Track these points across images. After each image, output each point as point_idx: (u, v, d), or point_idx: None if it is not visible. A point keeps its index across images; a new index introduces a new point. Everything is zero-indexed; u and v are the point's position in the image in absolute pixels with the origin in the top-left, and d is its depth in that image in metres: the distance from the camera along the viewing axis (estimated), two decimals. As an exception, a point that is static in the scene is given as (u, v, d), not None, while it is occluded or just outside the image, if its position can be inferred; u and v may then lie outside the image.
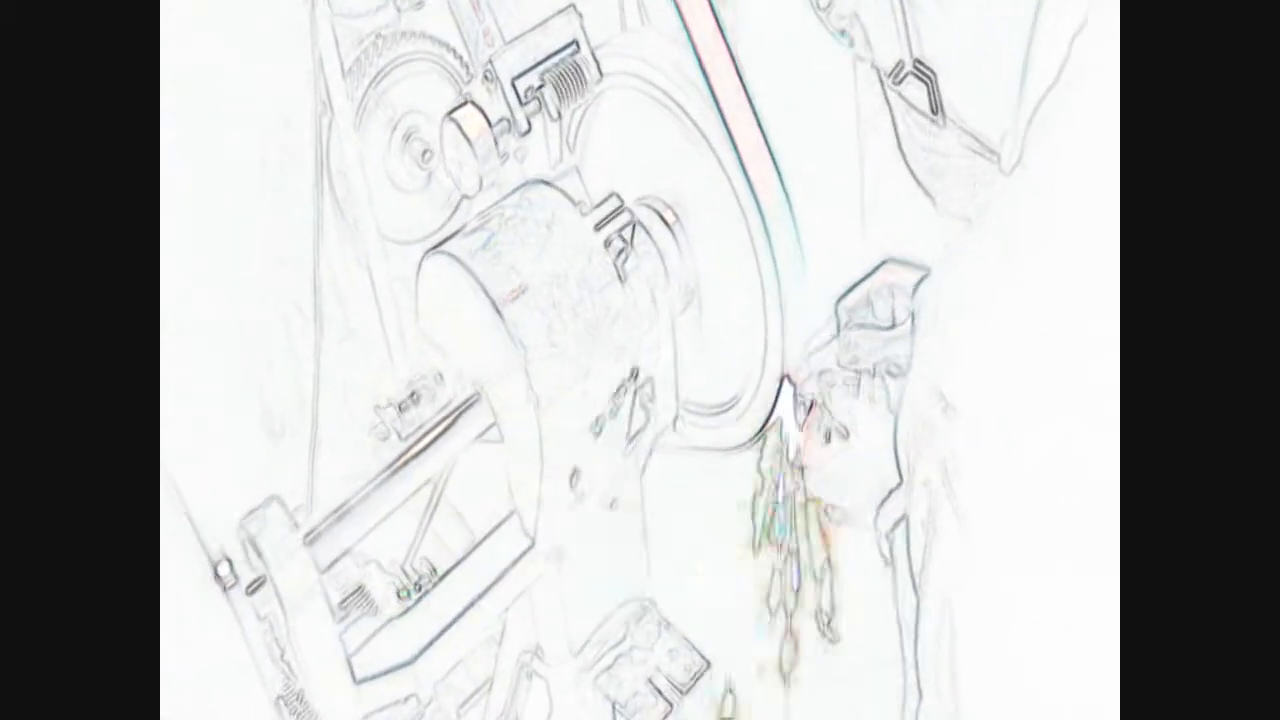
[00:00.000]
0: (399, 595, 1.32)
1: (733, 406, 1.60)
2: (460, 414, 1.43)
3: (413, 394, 1.34)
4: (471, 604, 1.41)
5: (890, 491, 1.44)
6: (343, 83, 1.28)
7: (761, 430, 1.57)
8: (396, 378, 1.38)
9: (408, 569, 1.36)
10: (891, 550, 1.51)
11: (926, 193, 1.29)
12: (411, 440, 1.36)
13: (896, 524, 1.50)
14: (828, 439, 1.59)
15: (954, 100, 1.24)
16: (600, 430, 1.46)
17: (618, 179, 1.51)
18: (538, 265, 1.40)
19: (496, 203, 1.49)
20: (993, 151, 1.23)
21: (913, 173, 1.30)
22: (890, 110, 1.30)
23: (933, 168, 1.27)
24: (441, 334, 1.44)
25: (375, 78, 1.34)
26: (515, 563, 1.44)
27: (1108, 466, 0.90)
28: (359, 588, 1.30)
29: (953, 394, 1.21)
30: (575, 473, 1.47)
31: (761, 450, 1.57)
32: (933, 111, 1.25)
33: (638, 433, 1.53)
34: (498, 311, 1.38)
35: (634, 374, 1.49)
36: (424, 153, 1.41)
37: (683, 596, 1.55)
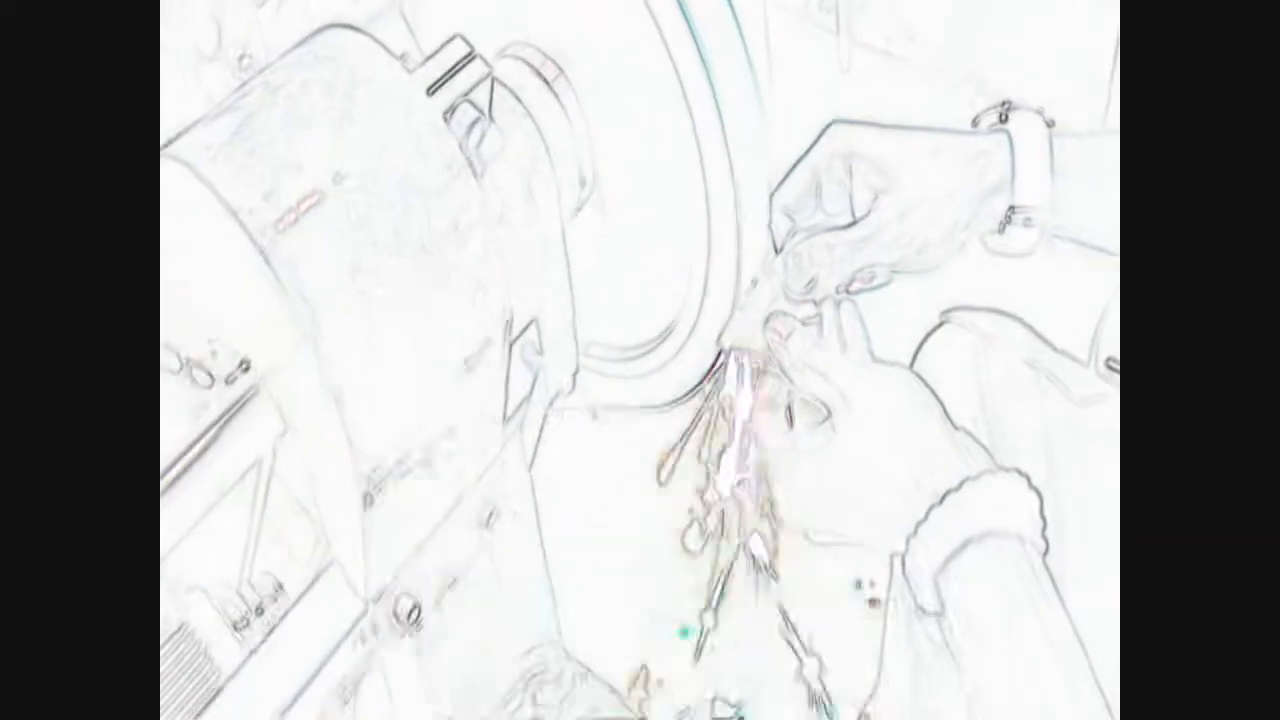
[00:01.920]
0: (235, 628, 1.03)
1: (662, 343, 1.25)
2: (224, 425, 0.86)
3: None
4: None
5: (935, 503, 1.01)
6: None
7: (710, 374, 1.23)
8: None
9: (244, 591, 1.04)
10: (941, 599, 1.01)
11: None
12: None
13: (954, 559, 0.99)
14: (789, 422, 1.14)
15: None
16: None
17: (464, 19, 1.14)
18: (330, 160, 0.92)
19: (265, 66, 1.00)
20: None
21: None
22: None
23: None
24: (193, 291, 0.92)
25: None
26: (345, 638, 1.02)
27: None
28: (179, 628, 1.02)
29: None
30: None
31: (706, 423, 1.23)
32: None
33: (519, 406, 1.12)
34: (258, 248, 0.80)
35: (506, 319, 1.07)
36: None
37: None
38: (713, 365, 1.19)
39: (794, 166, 1.16)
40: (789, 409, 1.11)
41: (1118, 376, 1.14)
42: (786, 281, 1.14)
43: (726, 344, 1.17)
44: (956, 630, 0.98)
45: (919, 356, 1.23)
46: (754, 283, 1.16)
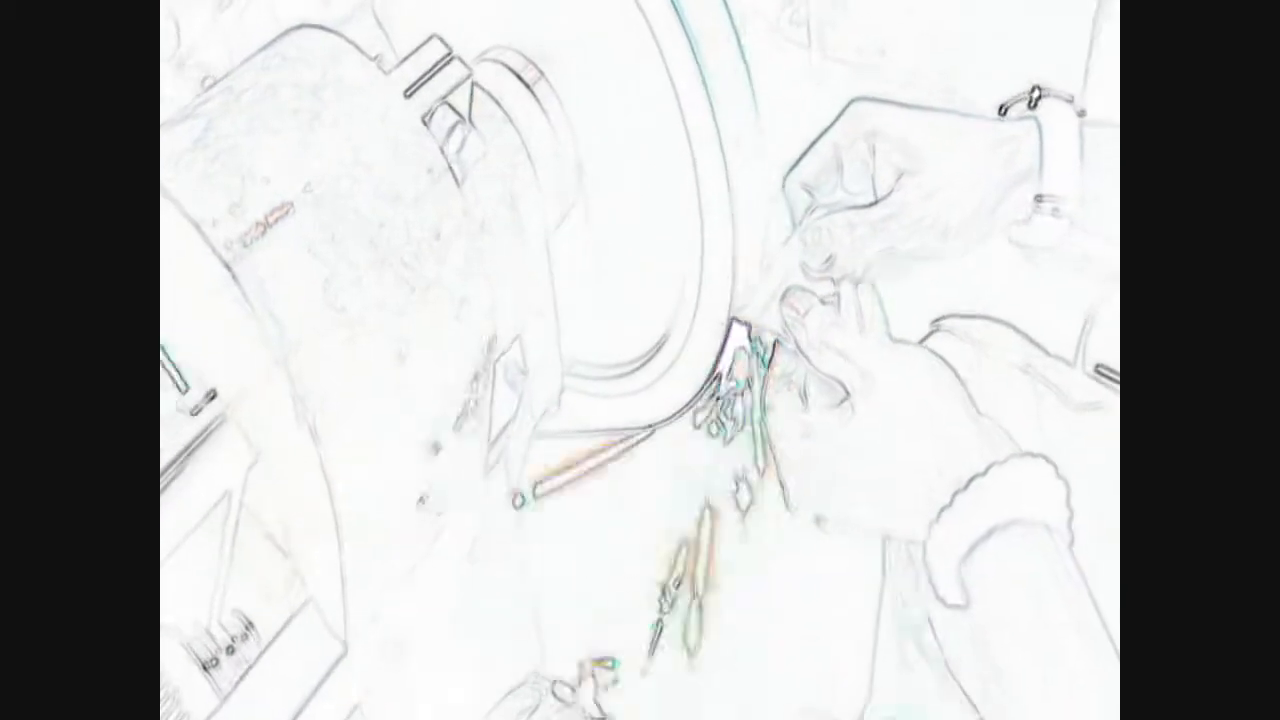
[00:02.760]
0: (205, 668, 0.97)
1: (651, 360, 1.20)
2: (189, 457, 0.79)
3: None
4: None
5: (960, 489, 0.97)
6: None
7: (701, 396, 1.19)
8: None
9: (214, 630, 0.97)
10: (966, 590, 0.97)
11: None
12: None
13: (979, 547, 0.96)
14: (804, 403, 1.07)
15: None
16: (438, 446, 0.95)
17: (441, 21, 1.07)
18: (300, 167, 0.86)
19: (230, 70, 0.93)
20: None
21: None
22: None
23: None
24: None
25: None
26: (325, 680, 0.95)
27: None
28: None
29: None
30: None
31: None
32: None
33: (502, 431, 1.05)
34: (223, 264, 0.73)
35: (491, 336, 1.01)
36: None
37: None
38: (719, 352, 1.14)
39: (814, 142, 1.11)
40: (803, 390, 1.06)
41: (1113, 382, 1.10)
42: (804, 258, 1.09)
43: (742, 318, 1.12)
44: (982, 620, 0.94)
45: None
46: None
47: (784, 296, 1.07)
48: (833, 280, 1.08)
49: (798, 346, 1.05)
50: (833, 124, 1.11)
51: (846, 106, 1.11)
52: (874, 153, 1.08)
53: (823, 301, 1.06)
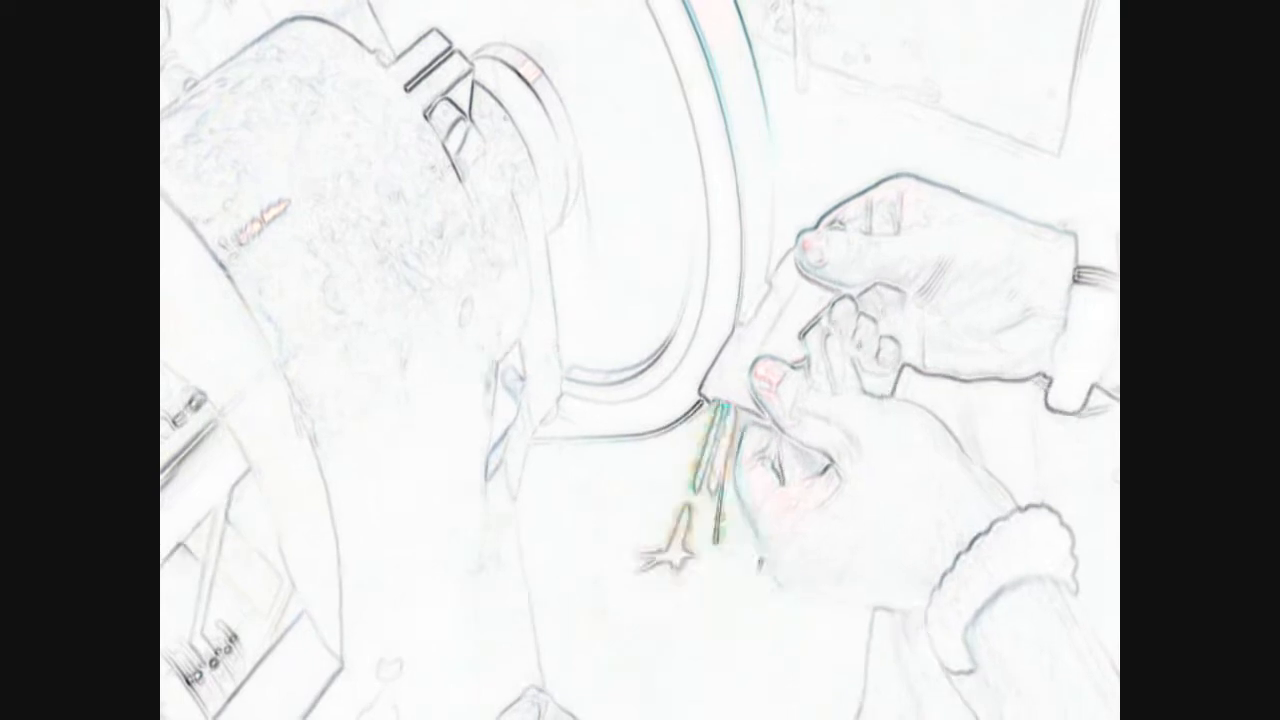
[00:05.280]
0: (189, 682, 0.95)
1: (651, 366, 1.17)
2: (186, 457, 0.76)
3: None
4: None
5: (963, 550, 0.92)
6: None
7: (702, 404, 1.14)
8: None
9: (198, 644, 0.95)
10: (974, 657, 0.92)
11: None
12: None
13: (986, 610, 0.91)
14: (780, 480, 1.01)
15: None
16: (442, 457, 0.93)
17: (438, 15, 1.03)
18: (297, 163, 0.81)
19: (222, 63, 0.89)
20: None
21: None
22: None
23: None
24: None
25: None
26: (320, 698, 0.91)
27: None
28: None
29: None
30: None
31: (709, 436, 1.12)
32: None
33: (501, 437, 1.02)
34: (217, 261, 0.70)
35: (495, 338, 0.97)
36: None
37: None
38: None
39: (849, 199, 1.07)
40: (777, 464, 1.00)
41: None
42: (798, 255, 1.03)
43: (710, 394, 1.07)
44: (994, 683, 0.89)
45: (900, 374, 1.15)
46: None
47: (753, 367, 1.01)
48: (825, 286, 1.04)
49: (772, 419, 0.99)
50: (871, 187, 1.06)
51: (890, 178, 1.06)
52: (902, 200, 1.03)
53: (793, 367, 1.00)
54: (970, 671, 0.89)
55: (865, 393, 1.00)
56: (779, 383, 0.99)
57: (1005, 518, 0.91)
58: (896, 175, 1.05)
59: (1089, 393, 1.01)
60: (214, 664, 0.96)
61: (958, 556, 0.90)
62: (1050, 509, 0.93)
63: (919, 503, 0.93)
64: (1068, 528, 0.92)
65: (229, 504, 0.89)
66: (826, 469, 0.96)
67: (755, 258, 1.09)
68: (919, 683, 1.09)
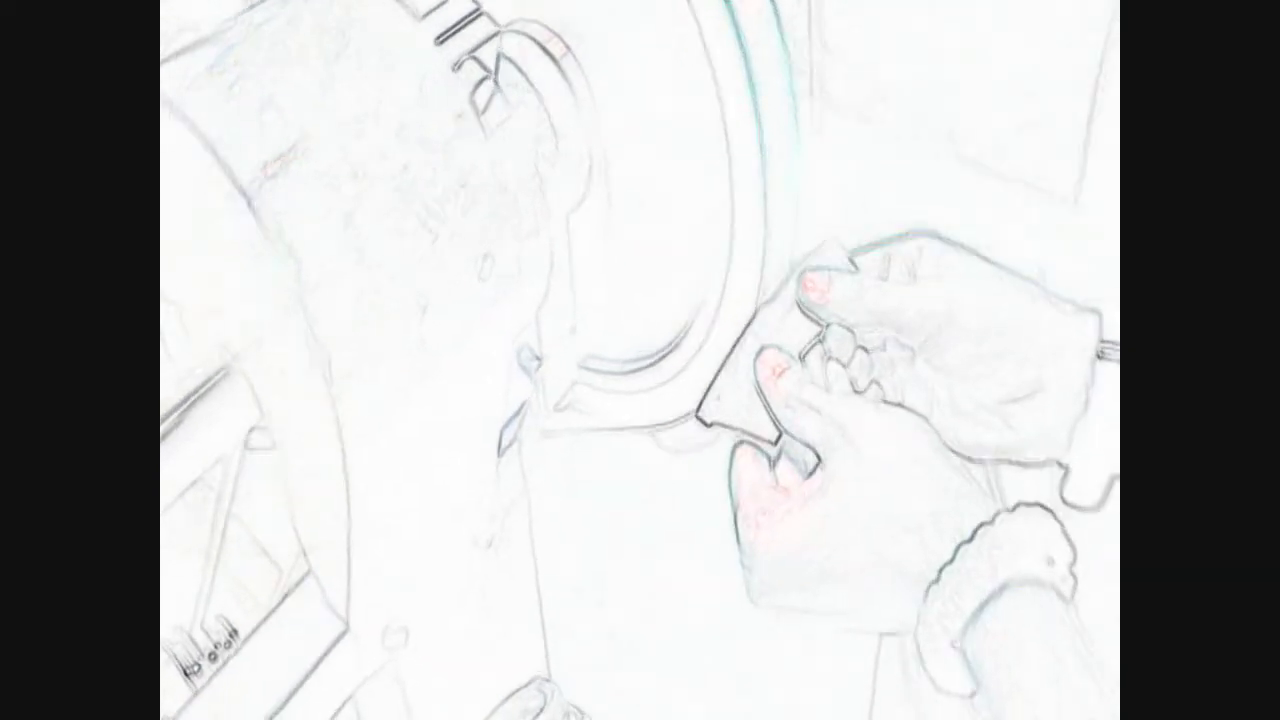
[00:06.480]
0: (187, 674, 0.95)
1: (669, 354, 1.16)
2: (193, 404, 0.74)
3: None
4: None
5: (966, 539, 0.90)
6: None
7: None
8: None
9: (197, 635, 0.95)
10: (975, 673, 0.89)
11: None
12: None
13: (985, 608, 0.87)
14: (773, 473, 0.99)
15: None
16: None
17: None
18: (324, 104, 0.80)
19: (250, 5, 0.87)
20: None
21: None
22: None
23: None
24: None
25: None
26: (322, 660, 0.88)
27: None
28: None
29: None
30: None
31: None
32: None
33: (514, 417, 1.01)
34: (242, 193, 0.69)
35: (511, 303, 0.96)
36: None
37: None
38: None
39: (867, 248, 1.04)
40: (772, 459, 0.98)
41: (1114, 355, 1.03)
42: (799, 293, 1.01)
43: (708, 419, 1.05)
44: (995, 683, 0.86)
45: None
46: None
47: (758, 355, 0.99)
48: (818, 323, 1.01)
49: (768, 410, 0.98)
50: (891, 240, 1.04)
51: (911, 233, 1.04)
52: (920, 254, 1.01)
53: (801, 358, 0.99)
54: (966, 695, 0.87)
55: (855, 392, 0.99)
56: (781, 374, 0.97)
57: (1010, 509, 0.89)
58: (918, 232, 1.03)
59: (1110, 486, 0.97)
60: (213, 657, 0.96)
61: (959, 547, 0.87)
62: (1044, 507, 0.91)
63: (915, 494, 0.91)
64: (1070, 541, 0.90)
65: (241, 460, 0.87)
66: (815, 468, 0.94)
67: (779, 243, 1.08)
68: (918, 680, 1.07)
